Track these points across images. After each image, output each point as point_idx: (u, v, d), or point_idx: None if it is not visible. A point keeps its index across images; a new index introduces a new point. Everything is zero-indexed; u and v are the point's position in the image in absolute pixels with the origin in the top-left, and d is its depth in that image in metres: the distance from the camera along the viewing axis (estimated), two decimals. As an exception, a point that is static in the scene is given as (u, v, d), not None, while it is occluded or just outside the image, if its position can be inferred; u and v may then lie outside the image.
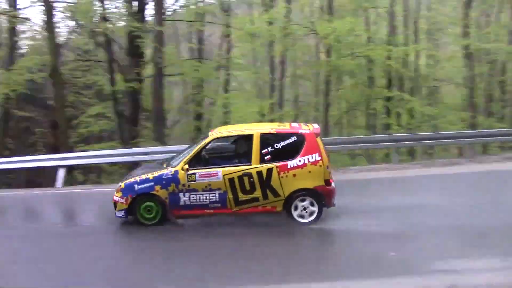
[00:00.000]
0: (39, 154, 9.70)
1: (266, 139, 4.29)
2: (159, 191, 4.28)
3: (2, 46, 15.43)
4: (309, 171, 4.14)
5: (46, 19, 10.87)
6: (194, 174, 4.24)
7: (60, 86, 10.94)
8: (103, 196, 5.37)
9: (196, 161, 4.31)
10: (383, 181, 6.04)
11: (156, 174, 4.33)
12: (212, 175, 4.21)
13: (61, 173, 7.48)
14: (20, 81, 11.85)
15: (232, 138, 4.62)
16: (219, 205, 4.25)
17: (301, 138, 4.26)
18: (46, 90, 14.04)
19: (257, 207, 4.23)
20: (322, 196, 4.17)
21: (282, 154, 4.23)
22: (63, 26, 16.32)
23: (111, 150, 8.51)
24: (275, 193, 4.20)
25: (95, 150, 9.16)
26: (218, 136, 4.47)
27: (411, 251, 3.46)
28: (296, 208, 4.22)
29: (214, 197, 4.23)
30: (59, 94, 10.94)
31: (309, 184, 4.16)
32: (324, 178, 4.17)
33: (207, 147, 4.38)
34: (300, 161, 4.16)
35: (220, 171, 4.20)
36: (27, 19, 13.07)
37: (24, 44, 16.82)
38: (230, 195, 4.20)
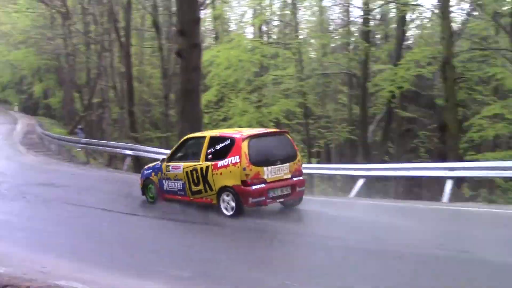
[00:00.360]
0: (421, 161, 11.02)
1: (213, 141, 7.50)
2: (153, 177, 8.31)
3: (390, 38, 18.05)
4: (230, 171, 7.07)
5: (441, 2, 11.98)
6: (169, 166, 8.02)
7: (452, 81, 11.75)
8: (495, 218, 5.61)
9: (172, 156, 8.10)
10: None
11: (154, 164, 8.46)
12: (177, 167, 7.83)
13: (448, 186, 8.19)
14: (408, 77, 13.74)
15: (198, 139, 7.93)
16: (183, 193, 7.74)
17: (232, 142, 7.24)
18: (434, 86, 15.43)
19: (202, 198, 7.45)
20: (238, 195, 7.02)
21: (219, 155, 7.31)
22: (458, 10, 16.32)
23: (509, 162, 8.55)
24: (211, 188, 7.32)
25: (487, 161, 9.50)
26: (188, 137, 8.20)
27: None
28: (223, 202, 7.25)
29: (179, 186, 7.82)
30: (450, 90, 11.76)
31: (230, 182, 7.09)
32: (240, 178, 6.99)
33: (182, 145, 8.16)
34: (225, 161, 7.10)
35: (182, 165, 7.70)
36: (419, 5, 14.96)
37: (413, 34, 19.42)
38: (187, 185, 7.63)
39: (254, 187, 7.17)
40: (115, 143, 17.43)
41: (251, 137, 7.41)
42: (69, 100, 32.20)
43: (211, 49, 22.30)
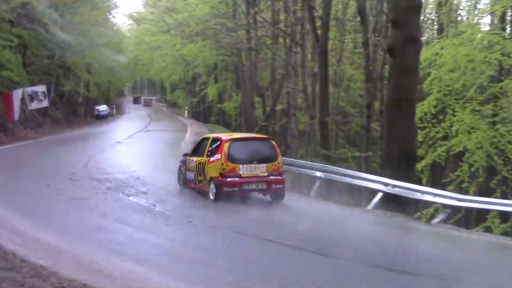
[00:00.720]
0: None
1: (213, 141, 13.56)
2: (182, 168, 14.70)
3: None
4: (215, 165, 12.78)
5: None
6: (190, 159, 14.16)
7: None
8: None
9: (193, 152, 14.51)
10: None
11: (183, 158, 14.81)
12: (193, 161, 13.88)
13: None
14: None
15: (207, 139, 14.16)
16: (194, 181, 13.78)
17: (221, 142, 13.06)
18: None
19: (202, 186, 13.28)
20: (217, 184, 12.68)
21: (213, 152, 13.14)
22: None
23: None
24: (205, 178, 13.07)
25: None
26: (203, 137, 15.09)
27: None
28: (210, 189, 12.99)
29: (193, 176, 13.84)
30: None
31: (214, 174, 12.75)
32: (219, 171, 12.67)
33: (200, 143, 14.75)
34: (214, 158, 12.89)
35: (195, 159, 13.69)
36: None
37: None
38: (196, 176, 13.59)
39: (228, 179, 12.79)
40: (302, 162, 18.98)
41: (233, 140, 13.36)
42: (248, 105, 35.87)
43: (432, 45, 22.80)
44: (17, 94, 32.00)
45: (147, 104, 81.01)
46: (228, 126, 47.30)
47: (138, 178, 16.24)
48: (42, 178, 15.64)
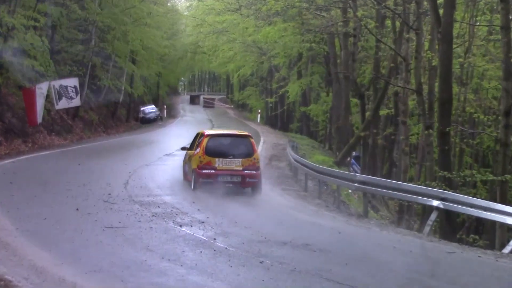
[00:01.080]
0: None
1: (200, 136, 20.69)
2: (183, 162, 22.48)
3: None
4: (195, 158, 19.49)
5: None
6: (186, 153, 21.69)
7: None
8: None
9: (190, 146, 21.66)
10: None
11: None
12: (187, 155, 21.43)
13: None
14: None
15: (198, 134, 21.66)
16: (188, 173, 20.88)
17: (203, 137, 20.01)
18: None
19: (190, 177, 20.20)
20: (194, 175, 19.35)
21: (197, 146, 20.14)
22: None
23: None
24: (190, 169, 20.27)
25: None
26: (197, 132, 21.99)
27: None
28: (192, 179, 19.77)
29: (187, 169, 21.13)
30: None
31: (194, 166, 19.46)
32: (197, 164, 19.14)
33: (194, 138, 21.91)
34: (196, 151, 19.78)
35: (187, 152, 21.49)
36: None
37: None
38: (188, 169, 20.65)
39: (204, 171, 18.60)
40: (412, 186, 18.53)
41: (212, 135, 19.61)
42: (341, 109, 35.68)
43: None
44: (41, 89, 32.31)
45: (208, 105, 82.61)
46: (314, 136, 47.38)
47: (193, 202, 16.60)
48: (70, 199, 16.13)
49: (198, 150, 19.32)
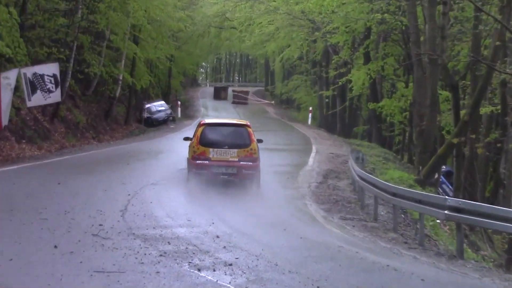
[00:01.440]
0: None
1: (198, 125, 28.35)
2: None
3: None
4: (191, 148, 26.85)
5: None
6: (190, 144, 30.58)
7: None
8: None
9: (193, 136, 29.70)
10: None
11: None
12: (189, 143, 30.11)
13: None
14: None
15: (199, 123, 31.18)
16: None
17: (199, 126, 27.24)
18: None
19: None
20: (188, 165, 26.91)
21: (194, 135, 28.80)
22: None
23: None
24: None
25: None
26: (199, 123, 30.97)
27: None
28: (187, 170, 27.71)
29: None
30: None
31: (189, 156, 27.04)
32: (191, 154, 26.29)
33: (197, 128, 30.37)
34: (192, 141, 27.18)
35: (189, 142, 28.70)
36: None
37: None
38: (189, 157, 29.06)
39: (198, 161, 24.94)
40: None
41: (207, 124, 26.30)
42: (426, 105, 35.59)
43: None
44: (7, 79, 32.08)
45: (240, 100, 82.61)
46: (388, 144, 47.36)
47: (217, 236, 16.51)
48: (46, 233, 16.21)
49: (194, 139, 25.12)
